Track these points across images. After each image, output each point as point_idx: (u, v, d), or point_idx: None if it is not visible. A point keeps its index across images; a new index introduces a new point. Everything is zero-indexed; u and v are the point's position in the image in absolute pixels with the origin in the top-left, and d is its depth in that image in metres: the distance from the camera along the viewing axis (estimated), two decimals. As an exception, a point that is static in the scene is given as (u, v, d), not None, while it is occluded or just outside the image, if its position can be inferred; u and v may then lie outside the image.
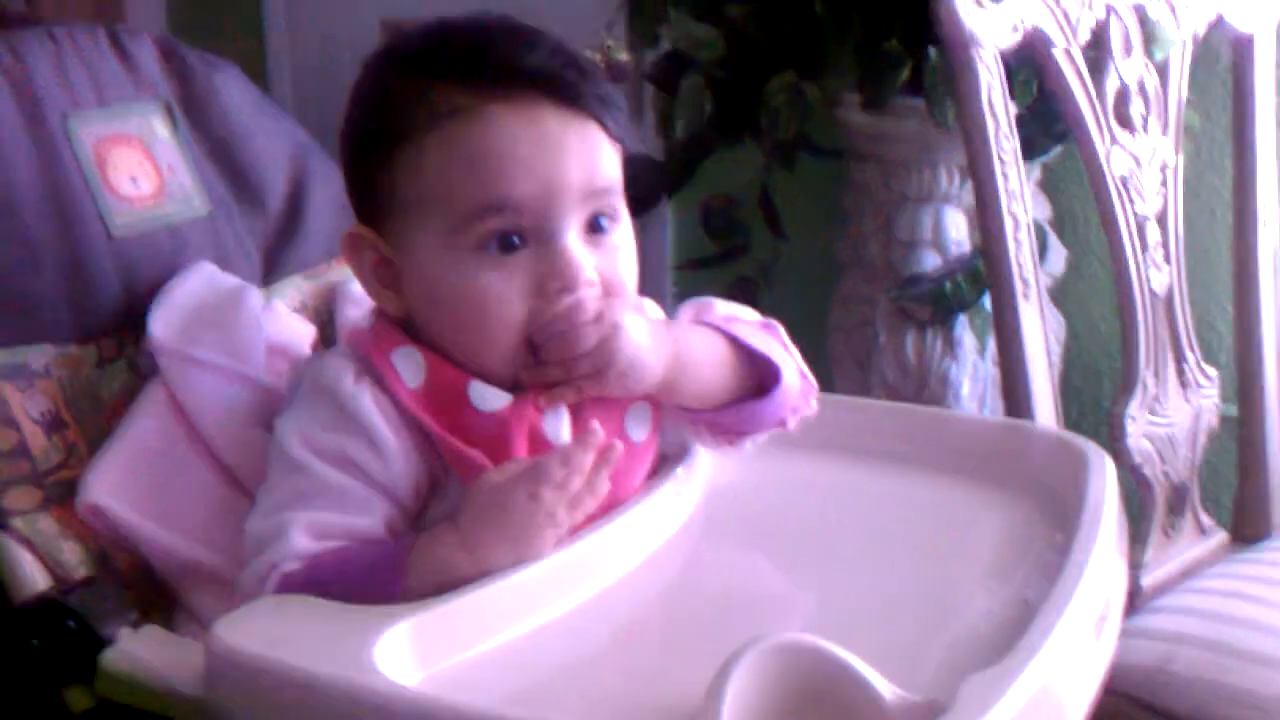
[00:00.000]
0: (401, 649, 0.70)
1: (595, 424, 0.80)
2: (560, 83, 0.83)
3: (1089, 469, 0.85)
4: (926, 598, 0.80)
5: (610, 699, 0.71)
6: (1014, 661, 0.64)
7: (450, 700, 0.67)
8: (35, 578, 0.86)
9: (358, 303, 1.06)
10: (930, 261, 1.71)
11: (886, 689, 0.64)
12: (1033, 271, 1.27)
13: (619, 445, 0.80)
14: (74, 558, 0.88)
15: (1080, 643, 0.69)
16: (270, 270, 1.09)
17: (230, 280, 1.01)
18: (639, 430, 0.88)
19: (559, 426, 0.84)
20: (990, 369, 1.72)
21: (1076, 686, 0.68)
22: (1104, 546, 0.77)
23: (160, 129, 1.04)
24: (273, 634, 0.71)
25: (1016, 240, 1.26)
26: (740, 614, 0.80)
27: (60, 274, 0.94)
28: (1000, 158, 1.25)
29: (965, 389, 1.74)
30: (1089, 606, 0.71)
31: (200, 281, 1.00)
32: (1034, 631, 0.66)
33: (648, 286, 0.92)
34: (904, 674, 0.66)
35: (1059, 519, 0.84)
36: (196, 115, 1.07)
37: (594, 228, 0.85)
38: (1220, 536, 1.49)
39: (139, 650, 0.80)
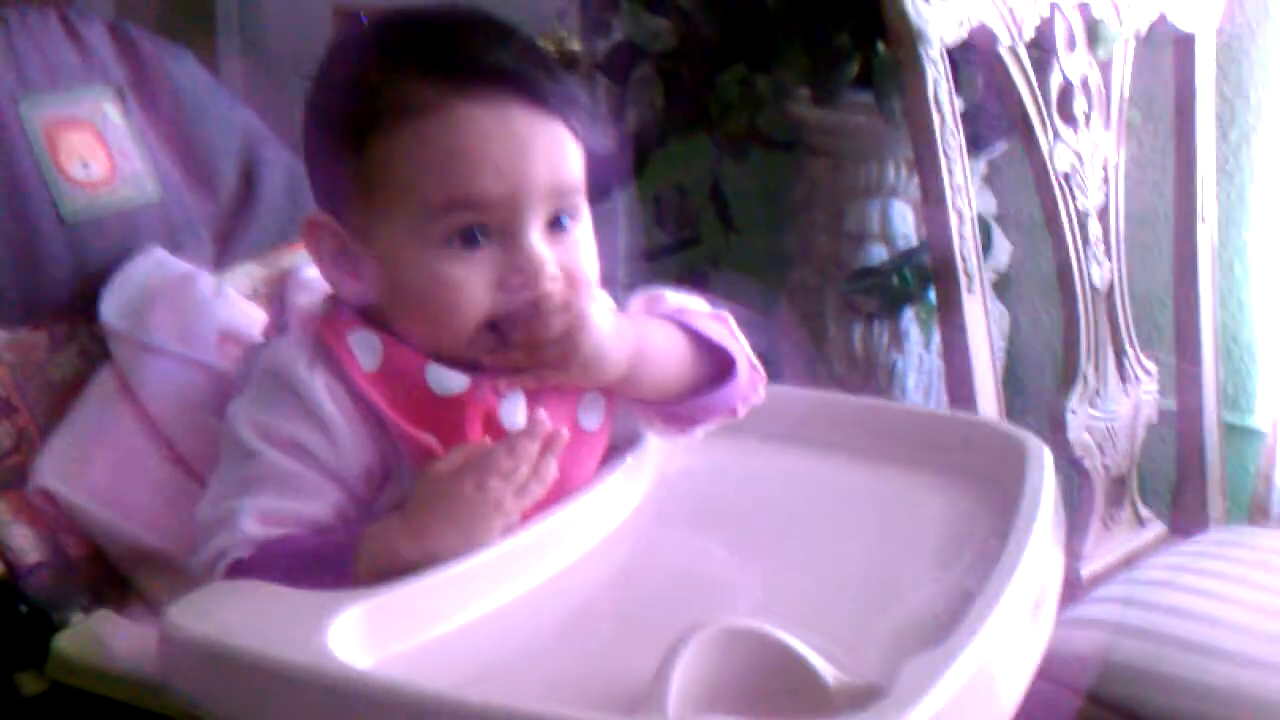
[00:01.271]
0: (354, 633, 0.71)
1: (542, 412, 0.81)
2: (530, 83, 0.83)
3: (1028, 460, 0.87)
4: (870, 584, 0.81)
5: (562, 682, 0.72)
6: (951, 645, 0.65)
7: (404, 682, 0.67)
8: (-14, 562, 0.86)
9: (310, 289, 1.05)
10: (878, 254, 1.72)
11: (829, 672, 0.66)
12: (977, 265, 1.29)
13: (565, 433, 0.80)
14: (26, 543, 0.88)
15: (1016, 628, 0.71)
16: (222, 255, 1.08)
17: (181, 266, 1.01)
18: (591, 419, 0.88)
19: (515, 412, 0.84)
20: (935, 361, 1.74)
21: (1012, 670, 0.70)
22: (1040, 535, 0.79)
23: (112, 113, 1.04)
24: (226, 618, 0.72)
25: (961, 234, 1.28)
26: (689, 598, 0.81)
27: (11, 258, 0.94)
28: (946, 152, 1.27)
29: (911, 380, 1.77)
30: (1025, 593, 0.73)
31: (151, 267, 1.00)
32: (971, 617, 0.68)
33: (599, 276, 0.92)
34: (847, 658, 0.68)
35: (1000, 509, 0.85)
36: (148, 100, 1.07)
37: (556, 225, 0.85)
38: (1159, 528, 1.51)
39: (91, 634, 0.81)
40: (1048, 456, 0.88)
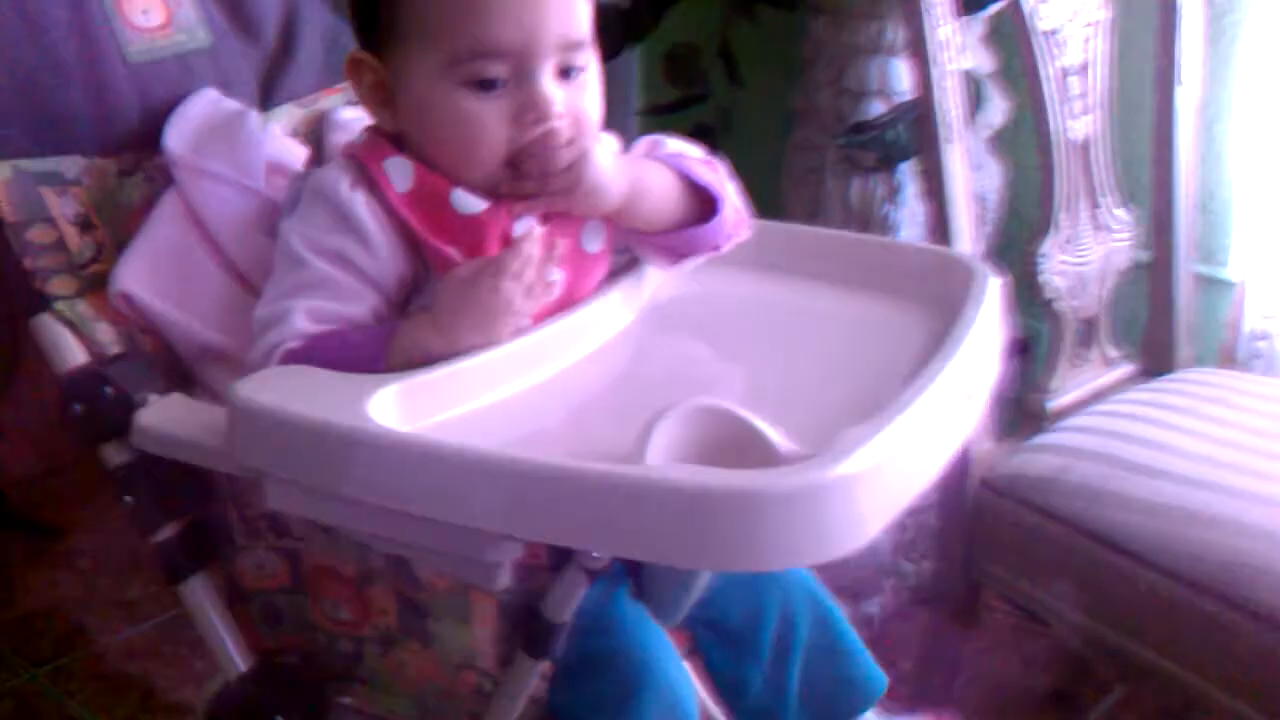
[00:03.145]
0: (389, 407, 0.82)
1: (536, 223, 0.92)
2: None
3: (973, 279, 0.97)
4: (832, 383, 0.93)
5: (565, 449, 0.83)
6: (883, 418, 0.77)
7: (434, 439, 0.79)
8: (75, 353, 0.98)
9: (345, 129, 1.15)
10: (877, 111, 1.77)
11: (780, 440, 0.77)
12: (957, 117, 1.36)
13: (561, 241, 0.91)
14: (107, 337, 1.00)
15: (944, 408, 0.82)
16: (265, 98, 1.17)
17: (233, 104, 1.11)
18: (593, 242, 0.99)
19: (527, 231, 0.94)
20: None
21: (938, 443, 0.81)
22: (977, 337, 0.89)
23: (167, -36, 1.11)
24: (283, 392, 0.83)
25: (943, 88, 1.35)
26: (677, 391, 0.91)
27: (85, 93, 1.03)
28: (931, 9, 1.33)
29: (905, 233, 1.84)
30: (955, 380, 0.83)
31: (207, 104, 1.10)
32: (905, 396, 0.80)
33: (613, 130, 1.01)
34: (803, 434, 0.78)
35: (950, 322, 0.96)
36: (200, -47, 1.14)
37: (565, 74, 0.95)
38: (1127, 369, 1.60)
39: (166, 411, 0.93)
40: (991, 277, 0.98)
